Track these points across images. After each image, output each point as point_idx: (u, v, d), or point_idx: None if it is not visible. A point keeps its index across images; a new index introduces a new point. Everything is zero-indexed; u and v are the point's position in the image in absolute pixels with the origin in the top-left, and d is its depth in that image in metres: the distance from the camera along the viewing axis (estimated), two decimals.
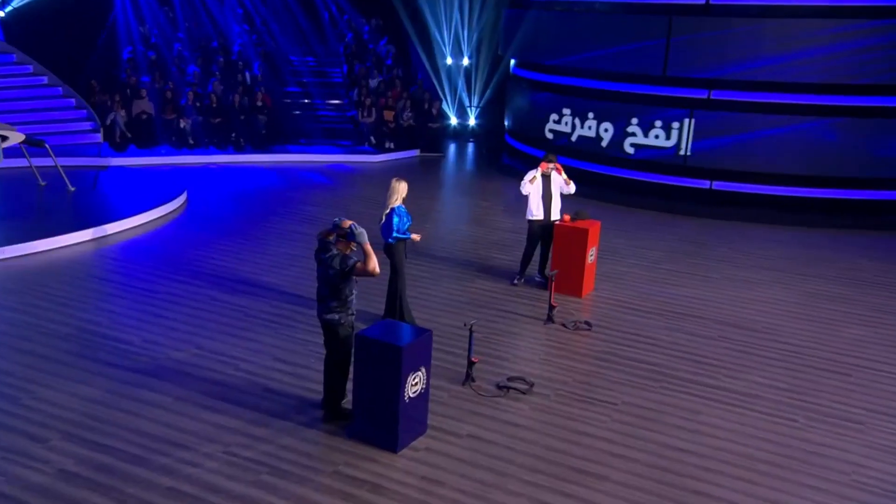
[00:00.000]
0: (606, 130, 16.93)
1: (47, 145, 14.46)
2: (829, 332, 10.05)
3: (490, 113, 23.02)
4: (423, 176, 18.64)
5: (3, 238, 11.71)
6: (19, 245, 11.60)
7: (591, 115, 17.19)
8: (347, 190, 16.68)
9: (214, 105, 19.85)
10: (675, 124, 16.07)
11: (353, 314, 7.10)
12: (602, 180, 17.14)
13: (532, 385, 8.12)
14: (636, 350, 9.20)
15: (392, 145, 20.55)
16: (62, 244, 11.97)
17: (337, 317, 7.01)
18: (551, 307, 9.81)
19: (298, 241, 12.74)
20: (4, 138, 13.60)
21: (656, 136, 16.32)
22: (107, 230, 12.63)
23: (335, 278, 6.88)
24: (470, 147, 22.87)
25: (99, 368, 8.04)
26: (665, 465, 6.83)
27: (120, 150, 18.50)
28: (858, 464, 7.05)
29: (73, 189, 14.60)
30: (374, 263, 6.70)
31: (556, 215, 10.82)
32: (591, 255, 10.79)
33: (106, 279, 10.73)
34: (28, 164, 14.95)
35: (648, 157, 16.51)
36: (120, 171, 17.00)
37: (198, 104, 19.86)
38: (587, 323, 9.80)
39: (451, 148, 22.51)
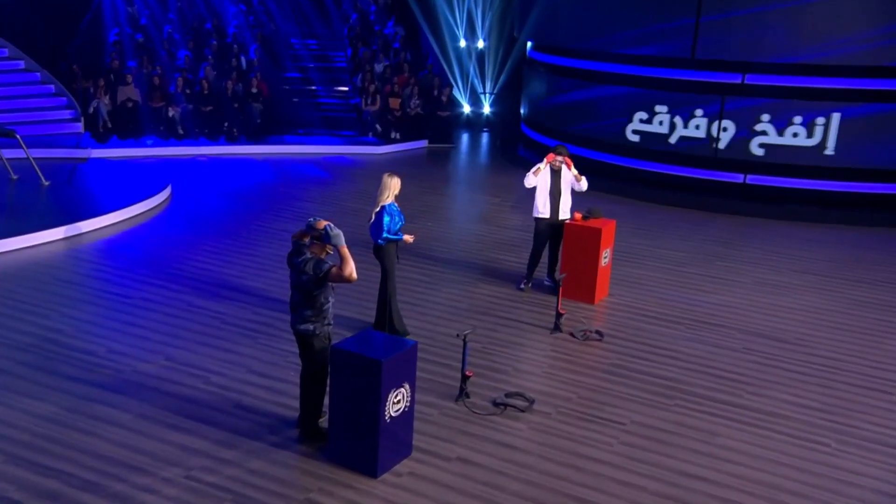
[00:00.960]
0: (630, 120, 16.68)
1: (18, 136, 14.45)
2: (872, 344, 9.76)
3: (506, 100, 22.80)
4: (430, 169, 18.48)
5: None
6: None
7: (615, 101, 16.93)
8: (347, 185, 16.54)
9: (206, 92, 19.79)
10: (700, 112, 15.79)
11: (329, 324, 6.94)
12: (624, 173, 16.90)
13: (532, 402, 7.92)
14: (651, 363, 8.97)
15: (398, 135, 20.40)
16: (30, 244, 11.91)
17: (311, 327, 6.85)
18: (559, 315, 9.60)
19: (290, 241, 12.57)
20: None
21: (684, 126, 16.05)
22: (80, 228, 12.57)
23: (309, 284, 6.72)
24: (484, 137, 22.69)
25: (57, 382, 7.93)
26: (675, 495, 6.60)
27: (102, 140, 18.48)
28: (895, 495, 6.78)
29: (47, 183, 14.57)
30: (350, 268, 6.53)
31: (565, 214, 10.61)
32: (605, 257, 10.57)
33: (75, 283, 10.64)
34: None
35: (676, 149, 16.23)
36: (101, 163, 16.96)
37: (188, 91, 19.82)
38: (598, 332, 9.58)
39: (464, 138, 22.34)
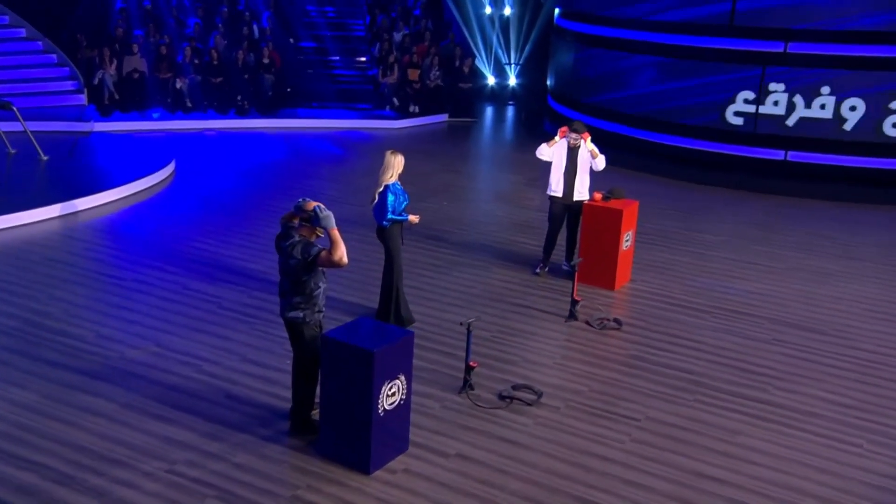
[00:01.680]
0: (663, 92, 16.44)
1: (15, 108, 14.53)
2: None
3: (532, 71, 22.59)
4: (449, 145, 18.39)
5: None
6: None
7: (647, 72, 16.69)
8: (361, 161, 16.49)
9: (216, 63, 19.82)
10: (738, 83, 15.53)
11: (320, 311, 6.89)
12: (656, 150, 16.69)
13: (540, 395, 7.84)
14: (672, 355, 8.84)
15: (417, 109, 20.29)
16: (23, 222, 11.98)
17: (301, 315, 6.81)
18: (574, 302, 9.49)
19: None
20: None
21: (722, 98, 15.79)
22: (77, 206, 12.64)
23: (297, 269, 6.68)
24: (509, 111, 22.53)
25: (40, 369, 7.97)
26: (686, 496, 6.50)
27: (106, 114, 18.56)
28: None
29: (45, 158, 14.67)
30: (341, 252, 6.47)
31: (582, 195, 10.49)
32: (627, 240, 10.43)
33: (68, 263, 10.70)
34: None
35: (712, 123, 15.98)
36: (103, 137, 17.06)
37: (196, 61, 19.84)
38: (616, 321, 9.46)
39: (488, 112, 22.20)
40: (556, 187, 10.45)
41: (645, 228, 12.74)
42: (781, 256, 12.00)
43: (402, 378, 6.72)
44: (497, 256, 11.45)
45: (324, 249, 6.62)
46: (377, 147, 17.72)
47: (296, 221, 6.80)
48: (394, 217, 8.82)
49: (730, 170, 15.86)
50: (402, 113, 20.15)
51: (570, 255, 10.80)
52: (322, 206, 6.59)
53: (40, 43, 19.26)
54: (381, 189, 8.84)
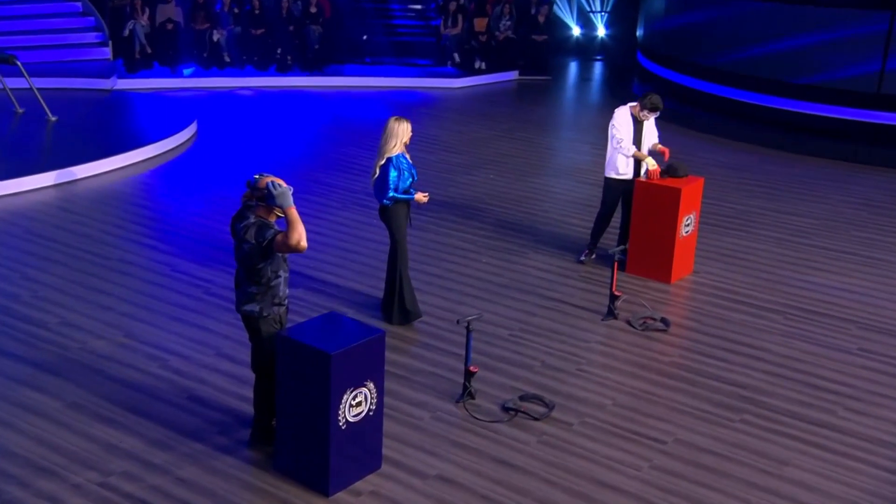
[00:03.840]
0: (770, 45, 15.79)
1: (19, 62, 14.78)
2: None
3: (623, 20, 22.00)
4: (515, 107, 18.05)
5: None
6: None
7: (752, 21, 16.00)
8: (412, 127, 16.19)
9: (257, 11, 19.85)
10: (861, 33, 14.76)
11: (280, 304, 6.72)
12: (762, 115, 16.07)
13: (552, 408, 7.51)
14: (724, 364, 8.38)
15: (483, 65, 19.94)
16: (12, 191, 12.15)
17: (257, 308, 6.65)
18: (613, 297, 9.10)
19: (317, 196, 12.46)
20: None
21: (838, 53, 15.07)
22: (75, 174, 12.77)
23: (252, 255, 6.50)
24: (596, 67, 22.00)
25: None
26: None
27: (133, 70, 18.78)
28: None
29: (54, 119, 14.90)
30: (297, 235, 6.26)
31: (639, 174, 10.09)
32: (688, 224, 9.95)
33: (52, 239, 10.80)
34: (2, 87, 15.35)
35: (826, 83, 15.26)
36: (124, 96, 17.26)
37: (236, 10, 19.92)
38: (664, 321, 9.04)
39: (571, 68, 21.74)
40: (624, 169, 10.01)
41: (725, 209, 12.24)
42: (889, 246, 11.31)
43: (371, 385, 6.49)
44: (540, 240, 11.09)
45: (280, 232, 6.42)
46: (432, 110, 17.55)
47: (254, 200, 6.61)
48: (396, 195, 8.57)
49: (843, 138, 15.10)
50: (465, 70, 19.81)
51: (623, 240, 10.39)
52: (277, 181, 6.38)
53: None
54: (382, 162, 8.60)
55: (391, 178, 8.54)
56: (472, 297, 9.56)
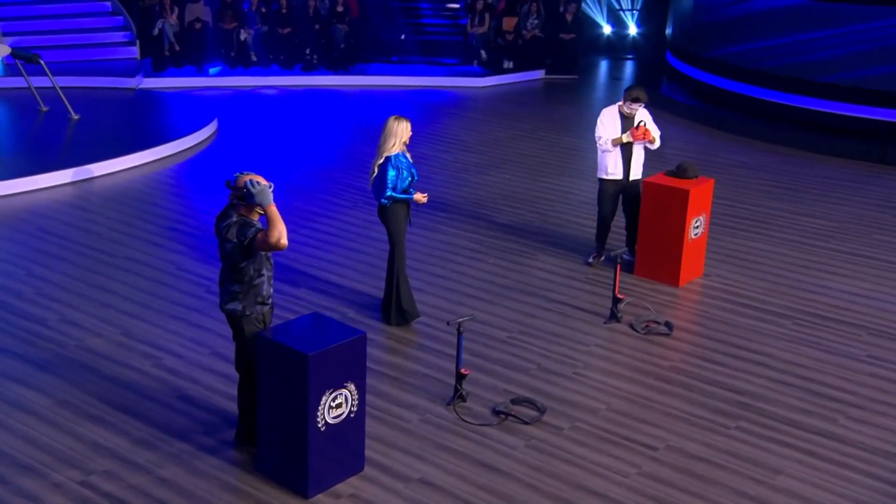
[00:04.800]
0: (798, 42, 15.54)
1: (42, 61, 14.92)
2: None
3: (654, 19, 21.79)
4: (541, 106, 17.90)
5: None
6: None
7: (780, 18, 15.88)
8: (434, 127, 16.15)
9: (284, 10, 19.87)
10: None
11: (263, 303, 6.69)
12: (781, 113, 15.91)
13: (543, 412, 7.40)
14: (725, 370, 8.22)
15: (511, 65, 19.81)
16: (29, 188, 12.25)
17: (240, 307, 6.62)
18: (616, 300, 8.96)
19: (331, 195, 12.44)
20: None
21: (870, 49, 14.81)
22: (92, 171, 12.86)
23: (234, 254, 6.49)
24: (627, 66, 21.78)
25: None
26: None
27: (160, 69, 18.90)
28: None
29: (76, 117, 15.02)
30: (278, 233, 6.23)
31: (637, 174, 9.95)
32: (697, 226, 9.77)
33: (62, 237, 10.87)
34: (27, 85, 15.49)
35: (852, 80, 14.99)
36: (148, 95, 17.38)
37: (263, 10, 19.95)
38: (667, 324, 8.89)
39: (601, 66, 21.53)
40: (613, 169, 9.89)
41: (742, 211, 12.04)
42: None
43: (352, 387, 6.43)
44: (550, 241, 10.97)
45: (262, 230, 6.39)
46: (458, 110, 17.46)
47: (235, 199, 6.59)
48: (394, 195, 8.51)
49: (873, 138, 14.82)
50: (491, 69, 19.70)
51: (631, 242, 10.24)
52: (255, 179, 6.35)
53: None
54: (380, 161, 8.54)
55: (389, 178, 8.48)
56: (473, 298, 9.48)
